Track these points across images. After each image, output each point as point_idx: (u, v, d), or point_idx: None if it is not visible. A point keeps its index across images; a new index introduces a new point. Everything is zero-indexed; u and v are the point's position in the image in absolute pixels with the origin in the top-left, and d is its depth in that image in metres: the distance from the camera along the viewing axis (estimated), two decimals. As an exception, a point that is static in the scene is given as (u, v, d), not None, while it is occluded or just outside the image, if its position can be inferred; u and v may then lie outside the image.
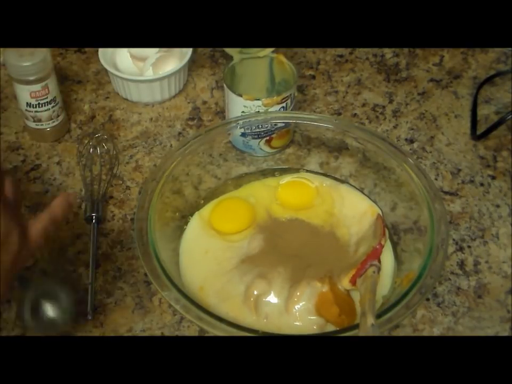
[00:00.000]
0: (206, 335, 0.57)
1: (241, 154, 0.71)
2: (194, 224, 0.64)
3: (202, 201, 0.66)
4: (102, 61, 0.76)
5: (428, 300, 0.60)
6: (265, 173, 0.70)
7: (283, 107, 0.69)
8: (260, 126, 0.68)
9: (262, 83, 0.74)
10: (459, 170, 0.71)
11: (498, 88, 0.80)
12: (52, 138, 0.74)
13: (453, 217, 0.66)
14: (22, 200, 0.51)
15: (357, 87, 0.81)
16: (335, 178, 0.68)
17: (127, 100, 0.79)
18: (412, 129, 0.76)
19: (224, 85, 0.70)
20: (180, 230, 0.63)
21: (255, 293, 0.57)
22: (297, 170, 0.70)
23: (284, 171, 0.70)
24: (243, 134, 0.69)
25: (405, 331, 0.58)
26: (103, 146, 0.72)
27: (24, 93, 0.69)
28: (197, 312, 0.51)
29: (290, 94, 0.69)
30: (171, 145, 0.74)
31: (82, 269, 0.62)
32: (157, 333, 0.58)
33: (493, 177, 0.70)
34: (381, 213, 0.64)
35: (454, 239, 0.65)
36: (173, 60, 0.77)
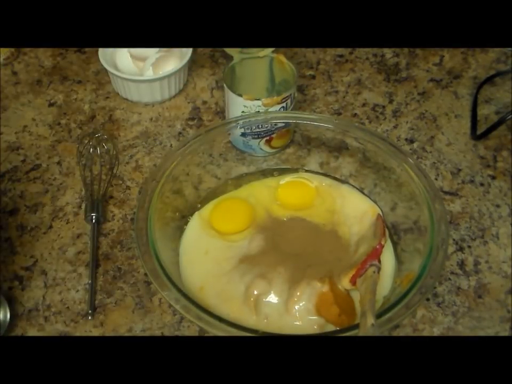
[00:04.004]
0: (206, 335, 0.57)
1: (241, 154, 0.71)
2: (194, 224, 0.64)
3: (202, 201, 0.66)
4: (102, 61, 0.76)
5: (428, 300, 0.60)
6: (265, 173, 0.70)
7: (283, 107, 0.69)
8: (260, 126, 0.68)
9: (262, 83, 0.73)
10: (459, 170, 0.71)
11: (498, 88, 0.80)
12: None
13: (453, 217, 0.66)
14: None
15: (357, 87, 0.81)
16: (335, 178, 0.68)
17: (127, 100, 0.79)
18: (412, 129, 0.76)
19: (224, 85, 0.70)
20: (180, 230, 0.63)
21: (255, 293, 0.57)
22: (297, 170, 0.70)
23: (283, 171, 0.70)
24: (243, 134, 0.69)
25: (405, 331, 0.58)
26: (103, 146, 0.72)
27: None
28: (197, 312, 0.51)
29: (290, 94, 0.69)
30: (171, 145, 0.74)
31: (82, 269, 0.62)
32: (157, 333, 0.58)
33: (493, 177, 0.70)
34: (381, 213, 0.64)
35: (454, 239, 0.65)
36: (173, 60, 0.77)
